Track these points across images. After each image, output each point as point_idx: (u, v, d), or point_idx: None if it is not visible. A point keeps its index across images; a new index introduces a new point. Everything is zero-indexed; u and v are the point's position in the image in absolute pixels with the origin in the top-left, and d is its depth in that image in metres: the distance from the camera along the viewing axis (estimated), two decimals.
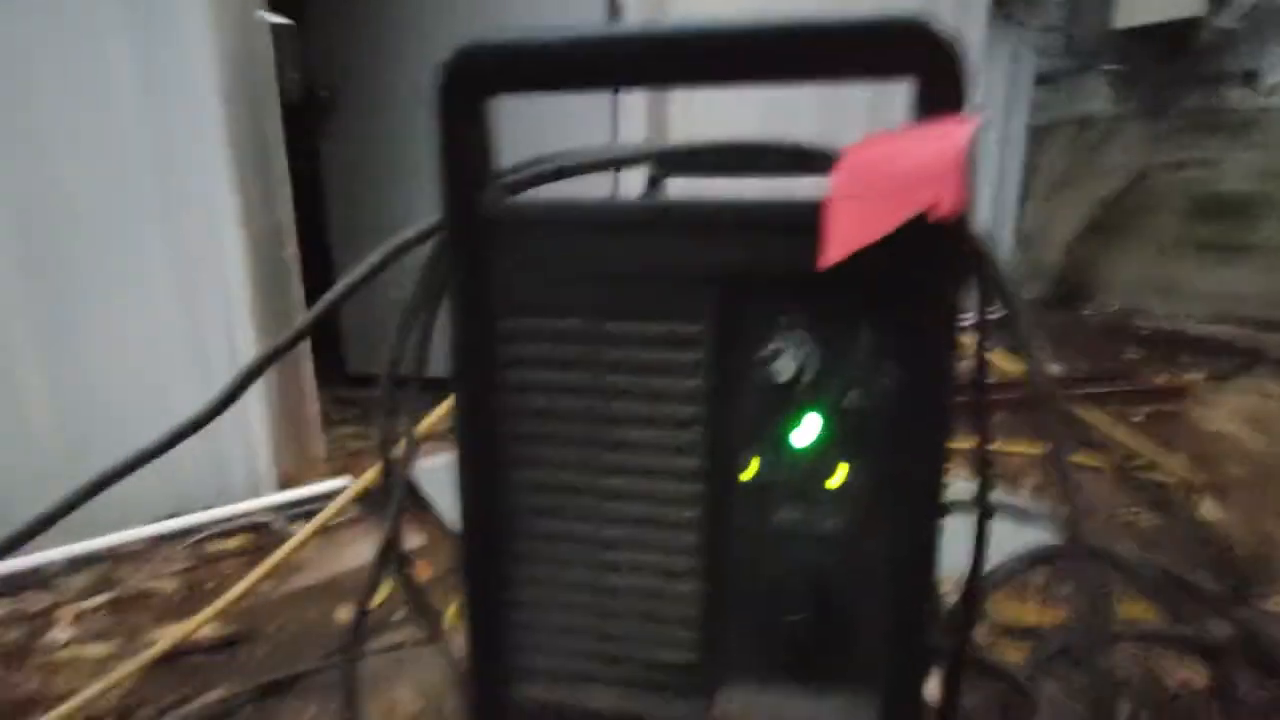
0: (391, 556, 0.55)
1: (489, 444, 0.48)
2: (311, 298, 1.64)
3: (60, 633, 1.09)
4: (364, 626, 0.51)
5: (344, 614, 1.15)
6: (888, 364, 0.43)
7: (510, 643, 0.52)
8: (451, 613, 1.15)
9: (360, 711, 0.53)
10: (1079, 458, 1.78)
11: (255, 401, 1.52)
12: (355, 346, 2.57)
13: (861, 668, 0.48)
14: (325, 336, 2.10)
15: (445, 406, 1.09)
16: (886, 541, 0.45)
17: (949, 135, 0.34)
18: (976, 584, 0.53)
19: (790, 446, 0.45)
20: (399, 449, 0.58)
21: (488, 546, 0.50)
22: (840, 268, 0.39)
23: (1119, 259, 4.12)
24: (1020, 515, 0.72)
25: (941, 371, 0.42)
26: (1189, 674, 0.97)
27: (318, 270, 1.94)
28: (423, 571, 1.28)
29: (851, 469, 0.45)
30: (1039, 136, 4.14)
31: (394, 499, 0.58)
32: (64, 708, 0.85)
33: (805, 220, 0.40)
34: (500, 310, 0.46)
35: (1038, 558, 0.81)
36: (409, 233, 0.51)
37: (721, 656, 0.49)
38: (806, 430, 0.45)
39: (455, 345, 0.47)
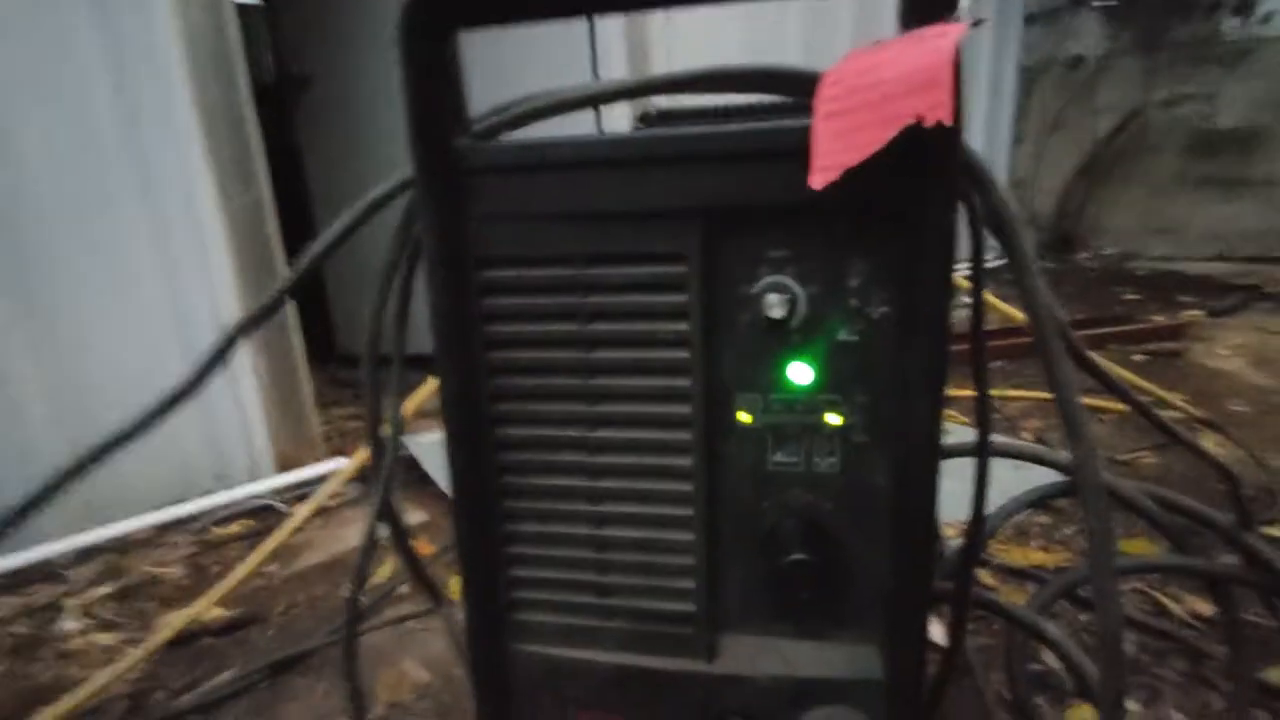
0: (374, 532, 0.53)
1: (475, 402, 0.47)
2: None
3: (70, 623, 1.09)
4: (358, 600, 0.50)
5: (345, 590, 1.15)
6: (881, 296, 0.42)
7: (508, 600, 0.51)
8: (455, 585, 1.15)
9: (362, 683, 0.52)
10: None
11: (248, 383, 1.51)
12: (344, 326, 2.55)
13: (863, 613, 0.47)
14: (314, 319, 2.08)
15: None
16: (886, 481, 0.44)
17: (937, 40, 0.32)
18: (979, 523, 0.52)
19: (785, 387, 0.44)
20: (386, 425, 0.56)
21: (480, 506, 0.49)
22: (829, 196, 0.37)
23: (1114, 202, 4.08)
24: (1022, 455, 0.71)
25: (937, 302, 0.40)
26: (1195, 605, 0.97)
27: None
28: (425, 548, 1.28)
29: (848, 408, 0.44)
30: (1030, 77, 4.06)
31: (382, 472, 0.56)
32: (78, 695, 0.85)
33: (791, 146, 0.37)
34: (478, 262, 0.45)
35: (1040, 498, 0.80)
36: (385, 186, 0.48)
37: (721, 606, 0.49)
38: (801, 369, 0.43)
39: (434, 302, 0.45)
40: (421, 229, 0.44)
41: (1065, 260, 4.03)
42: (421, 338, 0.45)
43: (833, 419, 0.44)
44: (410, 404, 1.14)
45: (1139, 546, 1.12)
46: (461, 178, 0.43)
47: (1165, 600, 0.99)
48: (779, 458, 0.45)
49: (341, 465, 1.51)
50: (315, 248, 0.49)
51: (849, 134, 0.34)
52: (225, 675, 0.95)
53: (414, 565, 0.68)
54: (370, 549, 0.49)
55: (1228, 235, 3.66)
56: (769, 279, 0.42)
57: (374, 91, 2.17)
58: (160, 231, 1.38)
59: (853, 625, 0.48)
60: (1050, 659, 0.89)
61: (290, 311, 1.60)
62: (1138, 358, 2.09)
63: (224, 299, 1.45)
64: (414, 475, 1.49)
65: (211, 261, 1.43)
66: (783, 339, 0.43)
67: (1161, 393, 1.51)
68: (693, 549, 0.47)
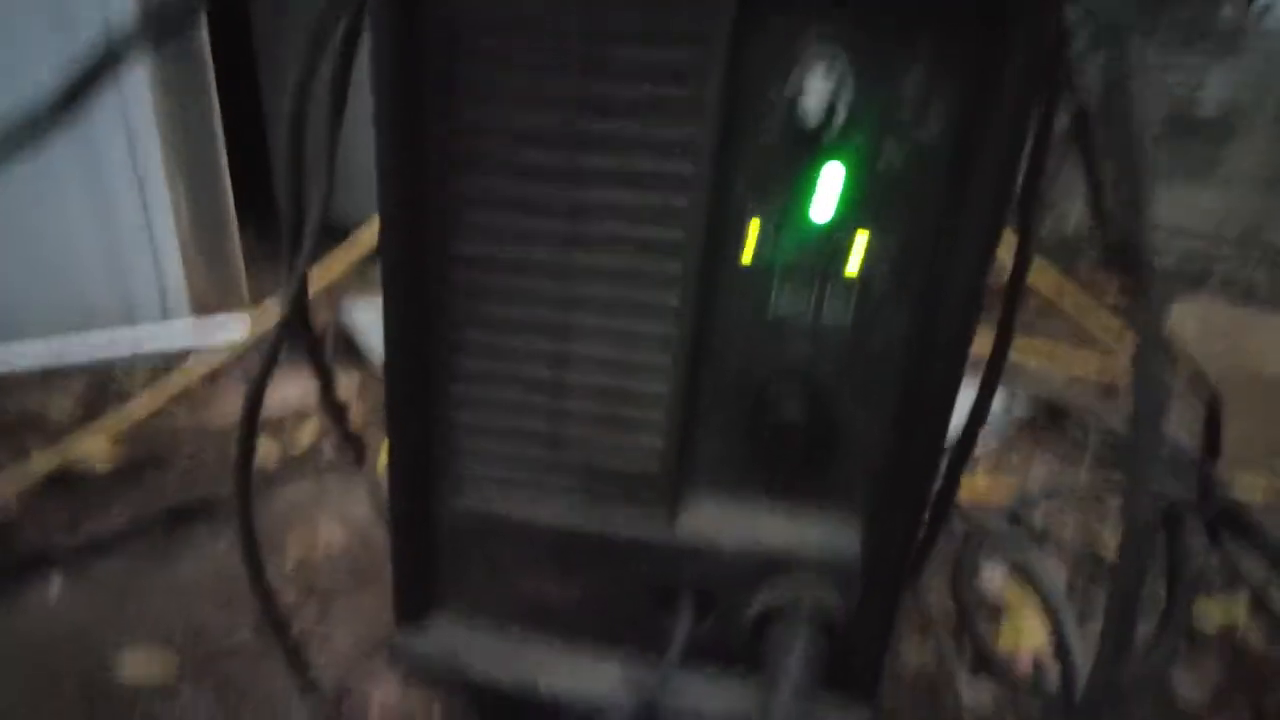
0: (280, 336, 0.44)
1: (420, 193, 0.37)
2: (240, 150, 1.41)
3: None
4: (258, 409, 0.41)
5: (265, 446, 1.06)
6: (940, 111, 0.34)
7: (445, 447, 0.43)
8: (384, 454, 1.08)
9: (256, 529, 0.45)
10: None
11: (160, 211, 1.34)
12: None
13: (850, 488, 0.42)
14: (253, 174, 1.87)
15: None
16: (903, 343, 0.38)
17: None
18: (977, 421, 0.47)
19: (805, 219, 0.36)
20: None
21: (417, 328, 0.40)
22: None
23: (1080, 175, 4.07)
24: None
25: (1011, 128, 0.32)
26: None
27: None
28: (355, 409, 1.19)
29: (875, 250, 0.36)
30: None
31: (293, 277, 0.46)
32: None
33: None
34: (438, 21, 0.34)
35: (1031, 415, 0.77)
36: None
37: (690, 470, 0.43)
38: (827, 197, 0.36)
39: (378, 63, 0.34)
40: None
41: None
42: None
43: (854, 262, 0.37)
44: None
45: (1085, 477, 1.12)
46: None
47: (1100, 529, 1.00)
48: (783, 305, 0.38)
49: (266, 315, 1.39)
50: None
51: None
52: (114, 517, 0.86)
53: (336, 414, 0.59)
54: (273, 355, 0.40)
55: (1188, 217, 3.72)
56: (806, 77, 0.33)
57: None
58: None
59: (835, 500, 0.42)
60: (988, 579, 0.90)
61: (217, 132, 1.40)
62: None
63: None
64: (344, 344, 1.38)
65: None
66: (811, 156, 0.35)
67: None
68: (665, 403, 0.40)
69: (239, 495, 0.44)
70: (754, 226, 0.37)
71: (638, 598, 0.45)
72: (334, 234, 1.02)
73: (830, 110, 0.33)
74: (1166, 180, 3.73)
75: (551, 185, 0.37)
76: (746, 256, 0.37)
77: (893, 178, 0.35)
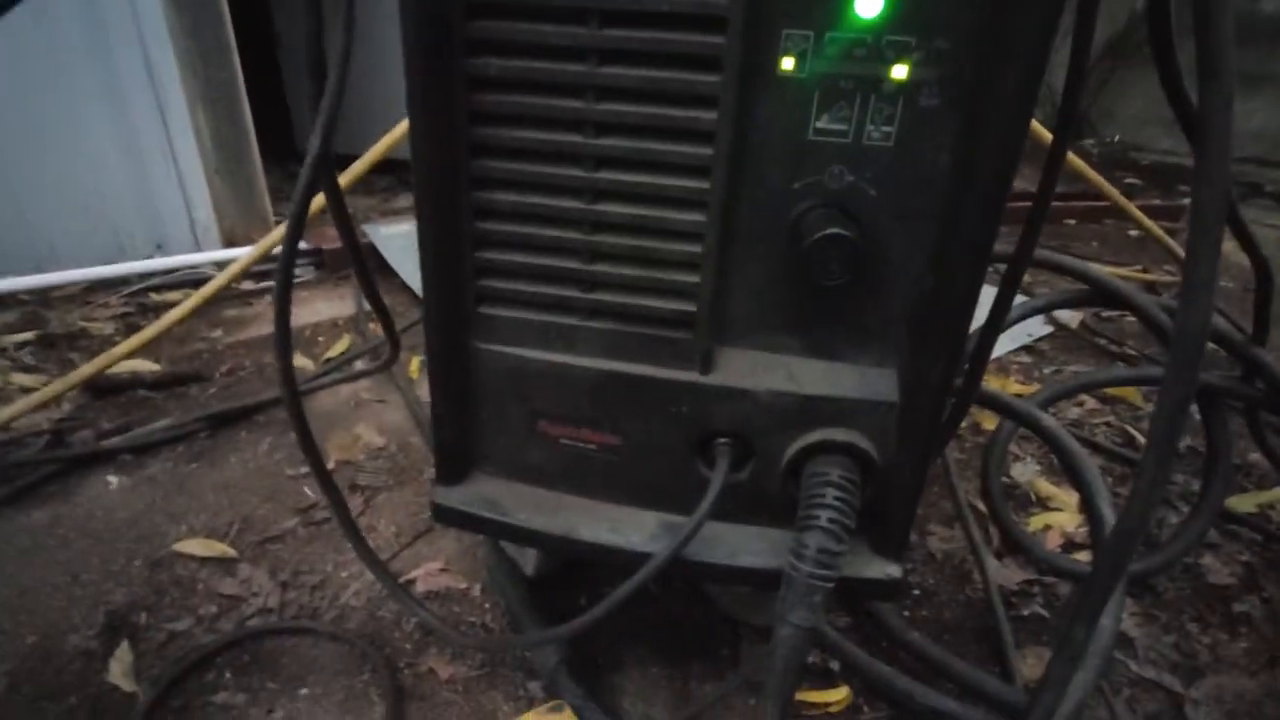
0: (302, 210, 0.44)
1: (445, 18, 0.36)
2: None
3: None
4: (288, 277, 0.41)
5: (300, 361, 1.08)
6: None
7: (475, 290, 0.43)
8: (414, 366, 1.09)
9: (309, 427, 0.45)
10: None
11: (186, 146, 1.34)
12: (303, 120, 2.32)
13: (886, 330, 0.41)
14: (271, 117, 1.86)
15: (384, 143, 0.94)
16: (950, 164, 0.36)
17: None
18: (1018, 270, 0.45)
19: (848, 20, 0.34)
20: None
21: (446, 163, 0.39)
22: None
23: (1130, 88, 3.87)
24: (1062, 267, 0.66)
25: None
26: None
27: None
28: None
29: (923, 55, 0.34)
30: None
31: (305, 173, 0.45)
32: None
33: None
34: None
35: (1049, 305, 0.75)
36: None
37: (727, 310, 0.42)
38: None
39: None
40: None
41: (1070, 142, 3.88)
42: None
43: (899, 71, 0.35)
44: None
45: (1125, 392, 1.10)
46: None
47: (1134, 432, 0.99)
48: (823, 123, 0.37)
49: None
50: None
51: None
52: (161, 422, 0.89)
53: (382, 312, 0.59)
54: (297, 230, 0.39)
55: (1236, 135, 3.54)
56: None
57: None
58: None
59: (871, 344, 0.42)
60: (1020, 475, 0.89)
61: (237, 69, 1.39)
62: (1134, 233, 2.04)
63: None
64: (375, 265, 1.39)
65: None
66: None
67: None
68: (703, 235, 0.39)
69: (284, 384, 0.43)
70: (793, 36, 0.35)
71: (675, 446, 0.45)
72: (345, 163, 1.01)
73: None
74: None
75: None
76: (787, 64, 0.35)
77: None
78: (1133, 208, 1.23)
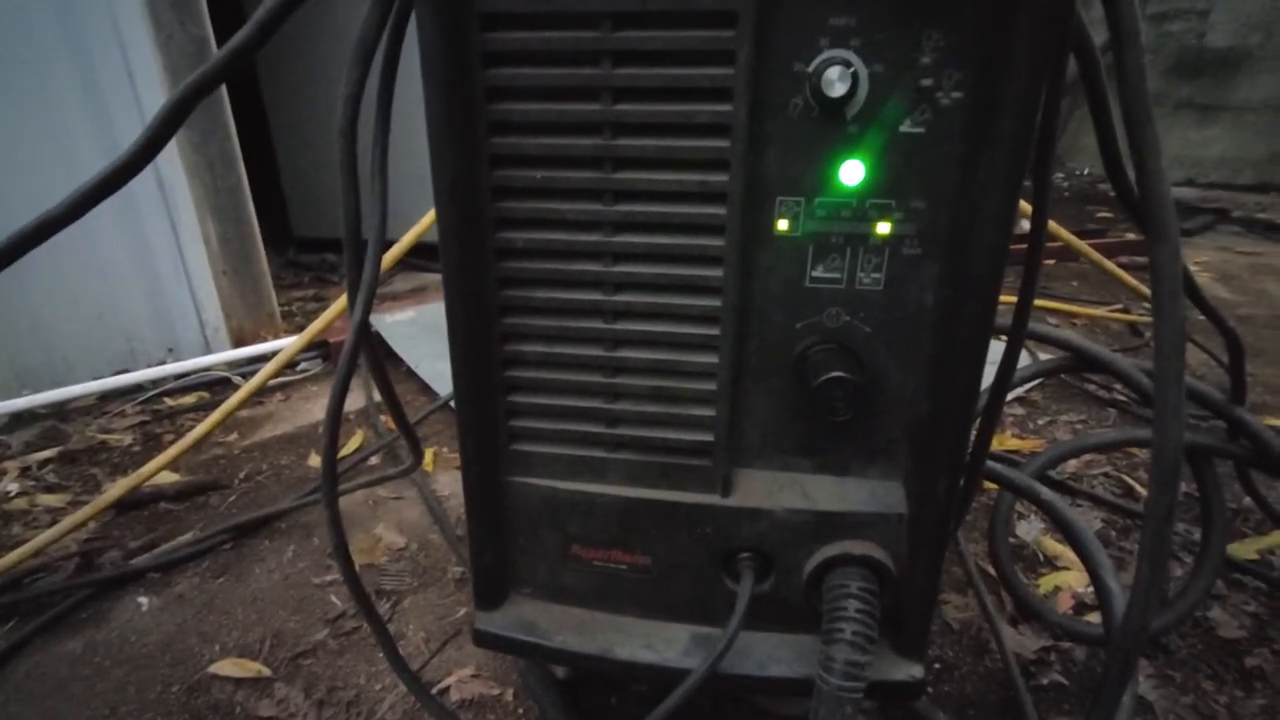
0: (355, 351, 0.47)
1: (473, 195, 0.40)
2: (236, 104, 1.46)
3: (10, 484, 1.02)
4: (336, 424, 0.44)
5: (315, 460, 1.11)
6: (956, 77, 0.36)
7: (508, 430, 0.47)
8: (429, 458, 1.12)
9: (343, 529, 0.48)
10: (1064, 307, 1.79)
11: (195, 253, 1.39)
12: (299, 209, 2.40)
13: (891, 447, 0.44)
14: (269, 203, 1.93)
15: (411, 235, 0.99)
16: (935, 302, 0.40)
17: None
18: (1009, 369, 0.49)
19: (834, 188, 0.39)
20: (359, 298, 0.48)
21: (479, 323, 0.43)
22: None
23: (1090, 124, 4.03)
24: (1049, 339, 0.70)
25: (1028, 82, 0.35)
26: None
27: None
28: (392, 425, 1.23)
29: (902, 214, 0.39)
30: None
31: (360, 297, 0.49)
32: (23, 549, 0.80)
33: None
34: (483, 20, 0.37)
35: (1038, 373, 0.79)
36: None
37: (742, 437, 0.45)
38: (854, 166, 0.38)
39: (427, 70, 0.38)
40: None
41: None
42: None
43: (883, 227, 0.39)
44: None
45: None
46: None
47: (1132, 482, 1.02)
48: (819, 272, 0.41)
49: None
50: None
51: None
52: (185, 537, 0.91)
53: (394, 406, 0.62)
54: (350, 366, 0.43)
55: (1199, 161, 3.67)
56: (829, 52, 0.36)
57: None
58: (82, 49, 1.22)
59: (878, 460, 0.45)
60: (1025, 533, 0.91)
61: (242, 175, 1.46)
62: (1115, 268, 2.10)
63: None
64: (382, 354, 1.42)
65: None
66: (837, 128, 0.38)
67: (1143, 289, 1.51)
68: (716, 374, 0.43)
69: (327, 506, 0.47)
70: (787, 202, 0.39)
71: (701, 564, 0.48)
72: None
73: (852, 82, 0.36)
74: (1170, 120, 3.68)
75: (594, 170, 0.40)
76: (782, 227, 0.40)
77: (915, 143, 0.37)
78: (1107, 261, 1.29)
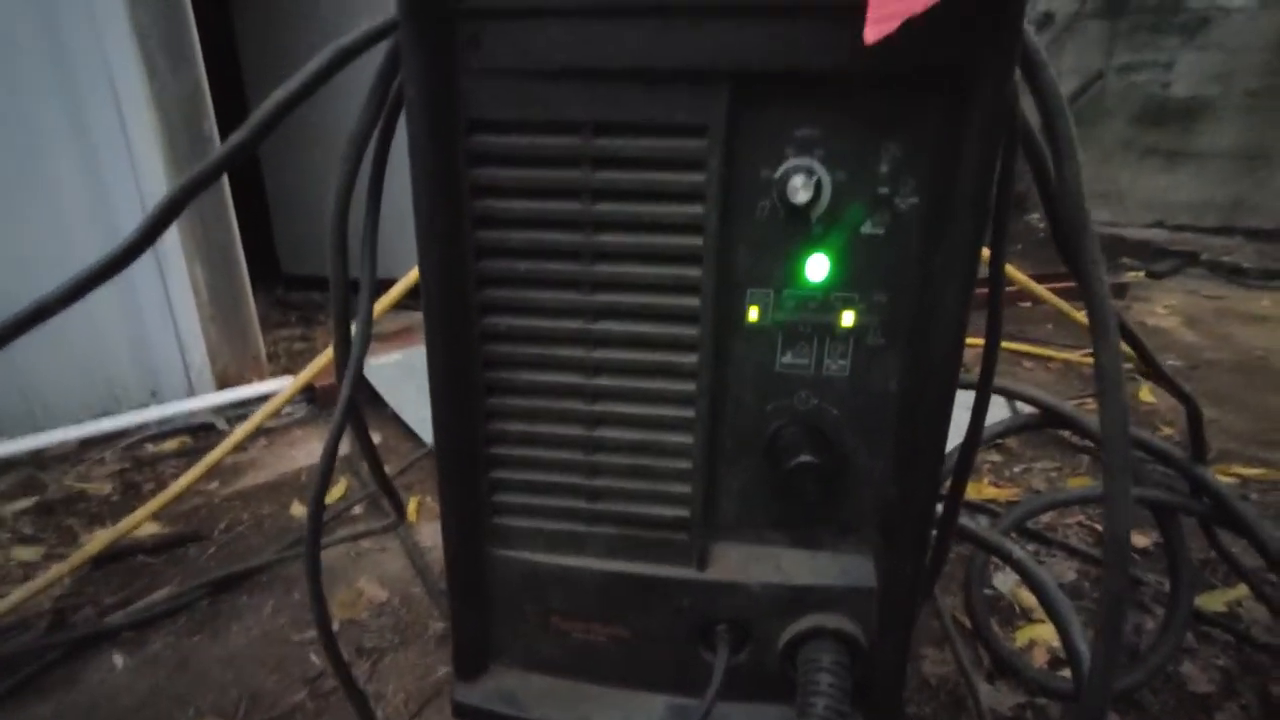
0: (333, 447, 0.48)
1: (459, 285, 0.42)
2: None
3: None
4: (321, 505, 0.45)
5: (298, 510, 1.11)
6: (912, 184, 0.39)
7: (490, 503, 0.48)
8: (412, 508, 1.12)
9: (322, 589, 0.49)
10: (1030, 349, 1.83)
11: (183, 294, 1.40)
12: (288, 248, 2.41)
13: (861, 522, 0.46)
14: (257, 241, 1.94)
15: (395, 291, 1.01)
16: (898, 388, 0.42)
17: None
18: (975, 436, 0.51)
19: (800, 282, 0.41)
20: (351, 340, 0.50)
21: (462, 401, 0.45)
22: (875, 60, 0.33)
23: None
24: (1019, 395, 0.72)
25: (977, 188, 0.37)
26: (1134, 538, 1.02)
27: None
28: None
29: (865, 307, 0.41)
30: None
31: (349, 369, 0.51)
32: None
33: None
34: (470, 125, 0.39)
35: (1006, 430, 0.82)
36: (356, 34, 0.42)
37: (717, 513, 0.47)
38: (819, 263, 0.41)
39: (416, 172, 0.40)
40: (405, 83, 0.39)
41: (1015, 220, 4.12)
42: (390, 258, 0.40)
43: (847, 319, 0.42)
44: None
45: (1082, 482, 1.17)
46: (455, 22, 0.38)
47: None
48: (788, 359, 0.43)
49: (285, 384, 1.44)
50: (274, 98, 0.42)
51: None
52: (162, 592, 0.90)
53: (378, 470, 0.63)
54: (339, 430, 0.44)
55: (1168, 204, 3.80)
56: (794, 161, 0.39)
57: None
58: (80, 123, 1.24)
59: (849, 535, 0.47)
60: (1001, 584, 0.93)
61: (233, 225, 1.47)
62: (1082, 313, 2.16)
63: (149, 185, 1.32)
64: (367, 397, 1.43)
65: (138, 157, 1.30)
66: (802, 230, 0.40)
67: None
68: (692, 452, 0.45)
69: (309, 576, 0.47)
70: (756, 293, 0.42)
71: (678, 635, 0.49)
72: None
73: (816, 189, 0.38)
74: (1137, 166, 3.82)
75: (574, 263, 0.42)
76: (753, 318, 0.42)
77: (876, 242, 0.40)
78: (1075, 312, 1.33)
